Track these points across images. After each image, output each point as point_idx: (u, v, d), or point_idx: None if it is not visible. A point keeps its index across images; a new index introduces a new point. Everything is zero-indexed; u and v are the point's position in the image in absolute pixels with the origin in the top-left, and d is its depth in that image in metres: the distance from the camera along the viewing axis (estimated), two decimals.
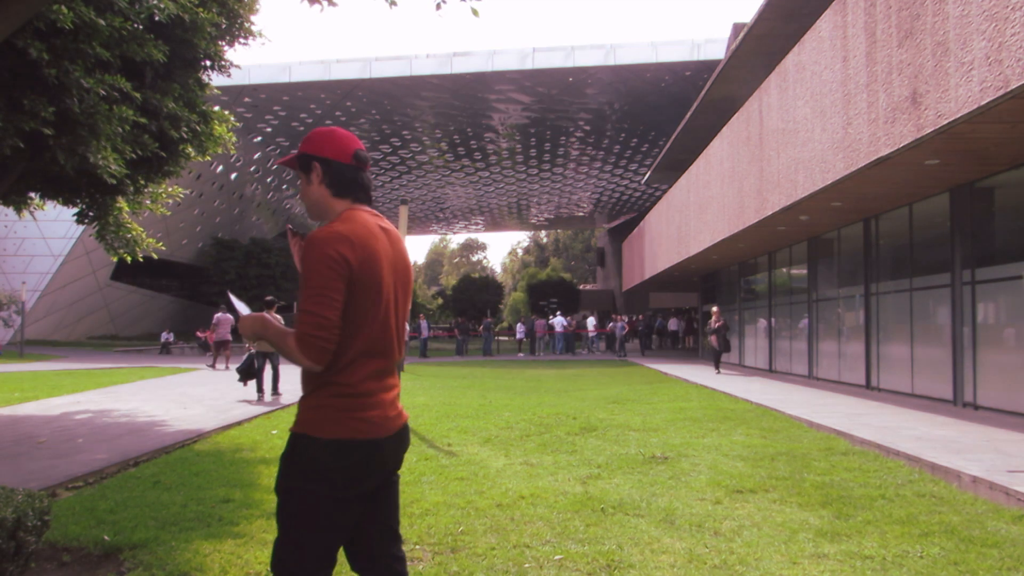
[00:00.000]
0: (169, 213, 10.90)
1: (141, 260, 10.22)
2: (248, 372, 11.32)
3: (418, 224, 62.02)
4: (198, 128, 8.54)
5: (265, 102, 31.14)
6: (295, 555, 1.95)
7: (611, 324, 29.04)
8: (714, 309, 16.97)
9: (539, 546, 3.88)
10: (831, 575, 3.49)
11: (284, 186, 44.46)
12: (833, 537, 4.05)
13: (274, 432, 7.91)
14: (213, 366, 19.30)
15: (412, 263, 2.25)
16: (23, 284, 27.16)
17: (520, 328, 30.68)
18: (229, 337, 19.23)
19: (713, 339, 16.54)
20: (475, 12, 4.90)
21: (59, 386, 13.12)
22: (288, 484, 1.96)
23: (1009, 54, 5.70)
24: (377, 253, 2.00)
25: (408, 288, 2.16)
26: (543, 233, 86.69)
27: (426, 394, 12.27)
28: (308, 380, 2.01)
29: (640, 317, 32.57)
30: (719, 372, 16.66)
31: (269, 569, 1.99)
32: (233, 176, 38.88)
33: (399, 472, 2.18)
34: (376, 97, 30.41)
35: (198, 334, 30.20)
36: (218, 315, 19.00)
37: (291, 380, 12.17)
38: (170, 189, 10.03)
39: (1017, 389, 8.46)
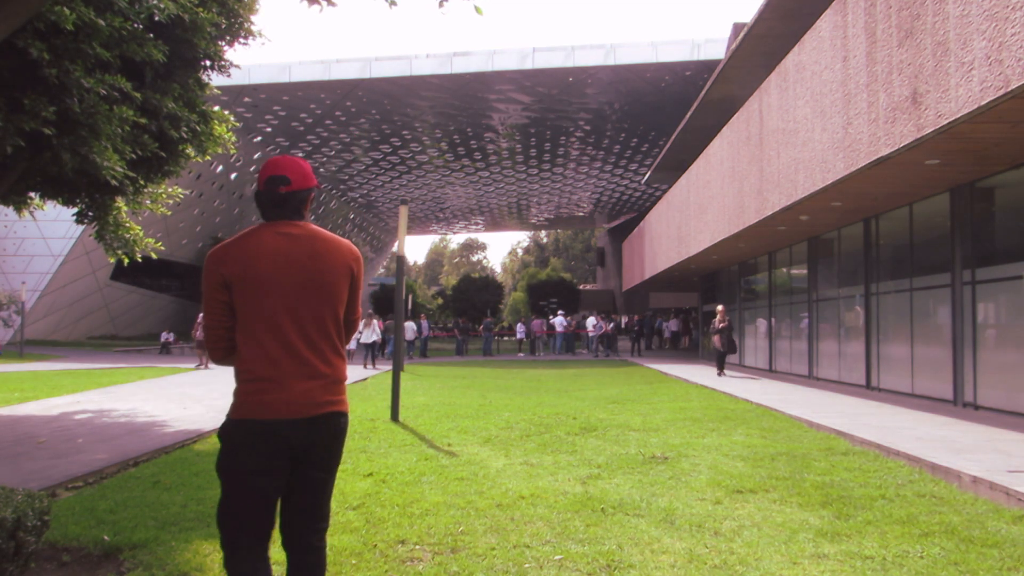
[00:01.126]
0: (169, 213, 10.89)
1: (140, 260, 10.22)
2: None
3: (418, 224, 62.02)
4: (198, 128, 8.53)
5: (265, 102, 31.14)
6: (224, 516, 2.25)
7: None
8: (719, 308, 16.04)
9: (539, 546, 3.88)
10: (831, 575, 3.49)
11: None
12: (833, 537, 4.05)
13: None
14: (206, 365, 19.08)
15: (347, 262, 2.38)
16: (23, 284, 27.17)
17: (520, 328, 30.70)
18: None
19: (716, 339, 15.76)
20: (479, 10, 4.86)
21: (59, 386, 13.12)
22: (218, 458, 2.29)
23: (1009, 54, 5.70)
24: (255, 259, 2.25)
25: (318, 284, 2.30)
26: (543, 233, 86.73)
27: (426, 394, 12.27)
28: None
29: (637, 317, 32.53)
30: (721, 374, 15.99)
31: None
32: (233, 176, 38.89)
33: (324, 464, 2.33)
34: (376, 97, 30.41)
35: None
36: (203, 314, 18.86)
37: None
38: (170, 189, 10.03)
39: (1017, 389, 8.47)
